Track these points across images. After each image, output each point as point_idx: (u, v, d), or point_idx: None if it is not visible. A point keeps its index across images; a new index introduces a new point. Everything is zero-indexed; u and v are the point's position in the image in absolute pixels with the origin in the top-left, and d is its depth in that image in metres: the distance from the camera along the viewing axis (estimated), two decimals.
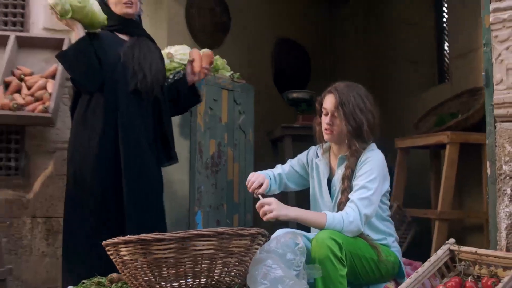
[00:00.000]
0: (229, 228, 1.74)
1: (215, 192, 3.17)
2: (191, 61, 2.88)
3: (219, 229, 1.72)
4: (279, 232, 2.19)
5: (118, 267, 1.85)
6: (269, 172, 2.46)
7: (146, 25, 3.22)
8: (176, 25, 4.05)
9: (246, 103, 3.45)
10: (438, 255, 2.00)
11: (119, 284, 1.99)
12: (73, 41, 2.77)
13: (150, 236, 1.69)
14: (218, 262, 1.75)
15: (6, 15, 3.64)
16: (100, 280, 2.13)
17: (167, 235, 1.69)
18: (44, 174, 3.57)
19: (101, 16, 2.70)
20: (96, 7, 2.66)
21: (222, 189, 3.21)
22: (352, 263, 2.06)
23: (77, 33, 2.69)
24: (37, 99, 3.28)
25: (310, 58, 5.54)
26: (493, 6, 2.10)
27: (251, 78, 4.86)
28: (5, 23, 3.64)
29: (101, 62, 2.67)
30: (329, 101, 2.27)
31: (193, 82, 2.90)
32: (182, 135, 3.16)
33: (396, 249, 2.28)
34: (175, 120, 3.11)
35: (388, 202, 2.34)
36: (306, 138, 4.14)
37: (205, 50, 3.01)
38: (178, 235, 1.69)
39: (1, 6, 3.63)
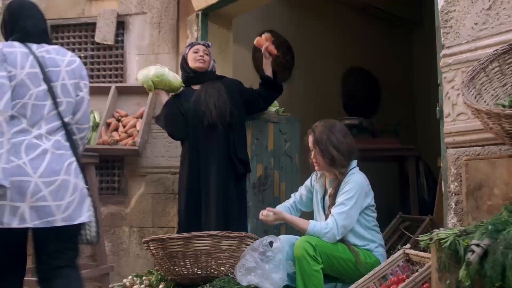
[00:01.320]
0: (219, 232, 2.43)
1: (262, 207, 3.77)
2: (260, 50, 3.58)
3: (211, 232, 2.42)
4: (281, 236, 2.81)
5: (153, 258, 2.62)
6: (286, 203, 3.09)
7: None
8: (243, 66, 4.84)
9: (291, 132, 4.06)
10: (394, 257, 2.47)
11: (159, 272, 2.76)
12: (163, 102, 3.59)
13: (165, 236, 2.44)
14: (213, 256, 2.44)
15: (110, 69, 4.73)
16: (151, 269, 2.92)
17: (175, 236, 2.43)
18: (138, 193, 4.53)
19: (177, 81, 3.53)
20: (171, 77, 3.50)
21: (269, 204, 3.81)
22: (329, 262, 2.59)
23: (163, 98, 3.57)
24: (129, 135, 4.26)
25: (379, 85, 5.97)
26: (443, 52, 2.55)
27: (321, 106, 5.47)
28: (110, 76, 4.73)
29: (185, 115, 3.44)
30: (309, 141, 2.86)
31: (268, 62, 3.53)
32: None
33: (378, 253, 2.75)
34: None
35: (373, 214, 2.83)
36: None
37: (264, 34, 3.58)
38: (183, 235, 2.42)
39: (106, 63, 4.74)
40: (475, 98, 2.07)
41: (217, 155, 3.39)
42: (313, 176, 3.04)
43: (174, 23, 4.61)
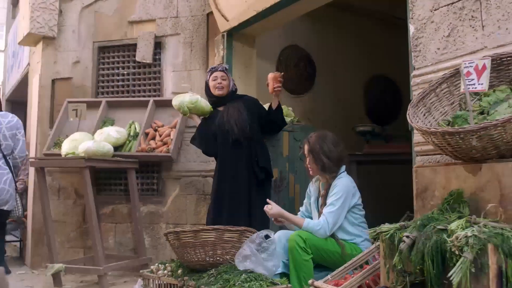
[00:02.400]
0: (222, 226, 2.93)
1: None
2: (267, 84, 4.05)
3: (215, 226, 2.93)
4: (280, 232, 3.29)
5: (171, 248, 3.17)
6: (298, 214, 3.51)
7: (240, 85, 4.52)
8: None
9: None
10: (370, 249, 2.89)
11: (178, 260, 3.29)
12: (197, 125, 4.19)
13: (179, 229, 2.98)
14: (218, 246, 2.94)
15: (149, 85, 5.35)
16: (173, 259, 3.47)
17: (187, 229, 2.95)
18: (173, 194, 5.12)
19: (207, 107, 4.10)
20: (203, 103, 4.08)
21: (284, 203, 4.28)
22: (318, 253, 3.04)
23: (196, 121, 4.16)
24: (164, 143, 4.85)
25: (401, 92, 6.30)
26: (413, 73, 2.95)
27: (343, 114, 5.88)
28: (149, 90, 5.35)
29: (216, 136, 3.97)
30: (305, 149, 3.31)
31: (275, 99, 3.98)
32: None
33: (364, 246, 3.16)
34: None
35: (360, 213, 3.23)
36: (369, 162, 5.05)
37: (275, 73, 4.04)
38: (192, 229, 2.94)
39: (146, 79, 5.36)
40: (424, 115, 2.47)
41: (242, 168, 3.90)
42: (310, 184, 3.49)
43: (204, 43, 5.17)
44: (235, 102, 4.05)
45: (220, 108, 4.09)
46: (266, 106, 4.51)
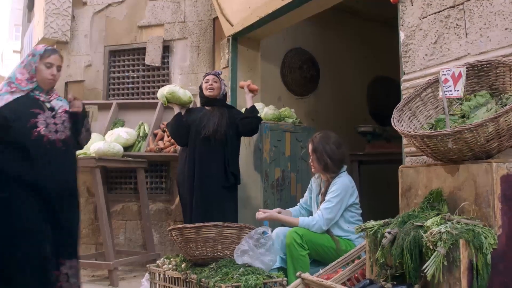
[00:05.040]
0: (222, 223, 3.11)
1: (280, 205, 4.40)
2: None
3: (216, 223, 3.11)
4: (278, 228, 3.46)
5: (175, 243, 3.35)
6: (297, 207, 3.71)
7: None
8: (272, 82, 5.51)
9: (307, 140, 4.66)
10: (361, 245, 3.05)
11: (182, 254, 3.48)
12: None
13: (181, 226, 3.16)
14: (218, 242, 3.12)
15: (158, 87, 5.54)
16: (178, 254, 3.65)
17: (189, 225, 3.14)
18: None
19: (186, 97, 4.34)
20: (181, 93, 4.32)
21: (286, 202, 4.46)
22: (314, 248, 3.21)
23: (175, 110, 4.36)
24: (172, 144, 5.04)
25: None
26: (403, 78, 3.11)
27: (347, 114, 6.02)
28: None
29: (189, 128, 4.21)
30: (309, 148, 3.48)
31: (249, 98, 4.27)
32: (255, 166, 4.55)
33: (358, 243, 3.31)
34: (250, 156, 4.56)
35: (357, 211, 3.39)
36: (371, 162, 5.19)
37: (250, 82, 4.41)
38: (194, 225, 3.12)
39: (155, 81, 5.56)
40: (409, 118, 2.63)
41: (212, 163, 4.09)
42: (312, 179, 3.66)
43: (211, 46, 5.36)
44: (221, 108, 4.24)
45: (208, 108, 4.27)
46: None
